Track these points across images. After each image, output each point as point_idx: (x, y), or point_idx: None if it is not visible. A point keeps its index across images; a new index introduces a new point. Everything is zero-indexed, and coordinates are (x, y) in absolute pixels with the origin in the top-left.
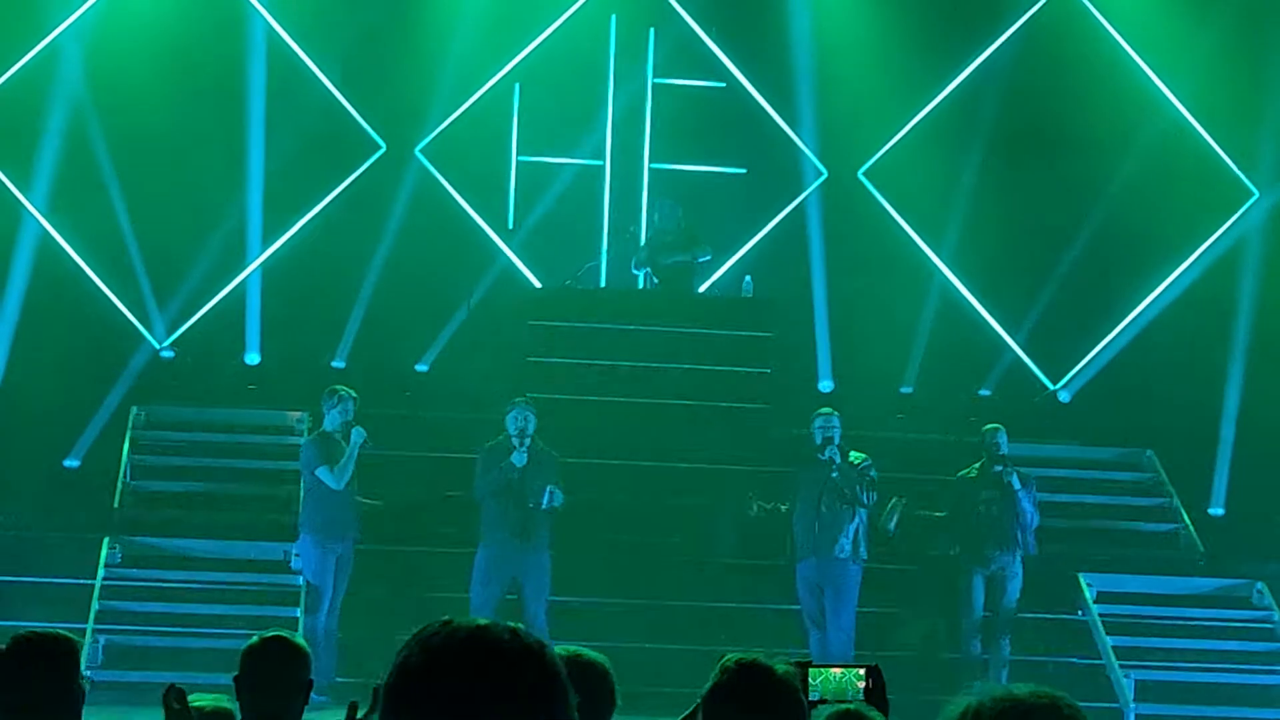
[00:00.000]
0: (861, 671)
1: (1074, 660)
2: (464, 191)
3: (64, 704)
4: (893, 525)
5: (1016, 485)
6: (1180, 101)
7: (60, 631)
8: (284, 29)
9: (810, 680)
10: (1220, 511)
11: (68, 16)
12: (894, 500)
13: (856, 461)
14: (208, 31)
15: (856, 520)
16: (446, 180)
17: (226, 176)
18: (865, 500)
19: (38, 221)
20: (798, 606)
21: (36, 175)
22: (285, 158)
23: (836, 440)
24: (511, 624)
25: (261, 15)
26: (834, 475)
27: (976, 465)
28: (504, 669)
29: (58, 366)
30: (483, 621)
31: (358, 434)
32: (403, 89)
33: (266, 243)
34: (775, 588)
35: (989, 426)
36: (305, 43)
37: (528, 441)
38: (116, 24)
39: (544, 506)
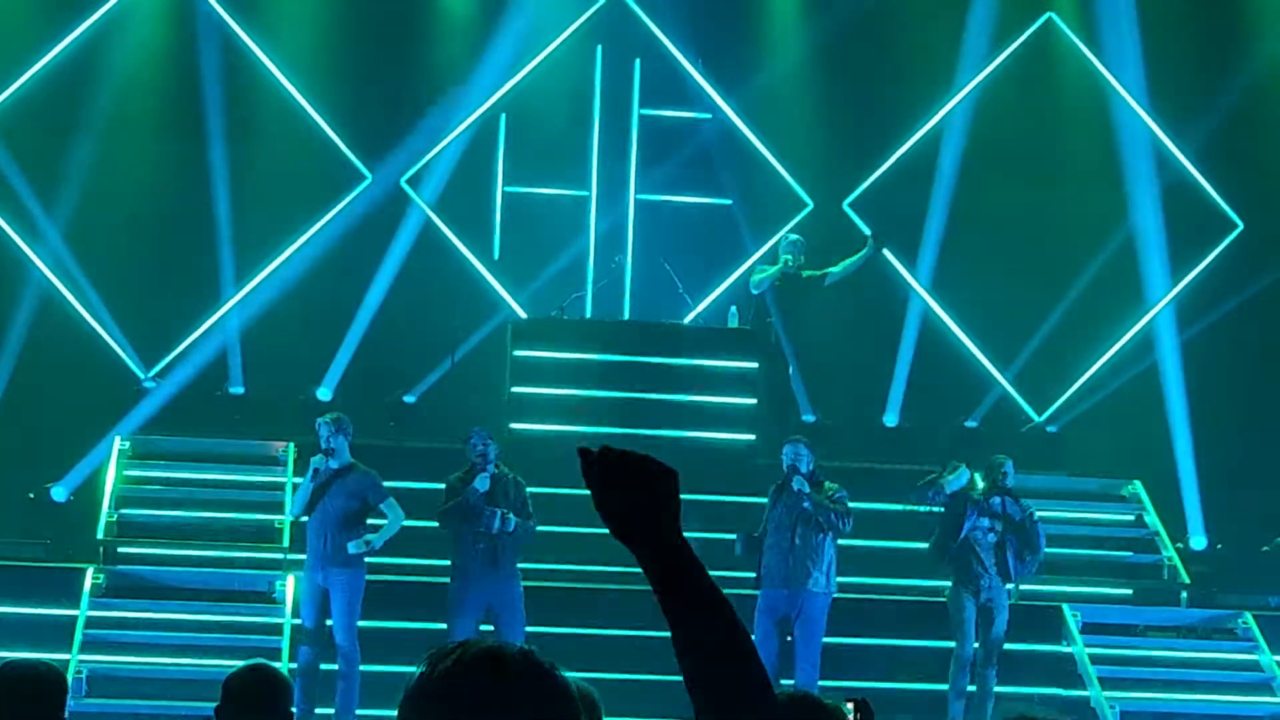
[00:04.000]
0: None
1: (1060, 691)
2: (450, 222)
3: None
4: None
5: (1017, 516)
6: (1164, 132)
7: (45, 663)
8: (270, 60)
9: None
10: (1203, 543)
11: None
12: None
13: (830, 491)
14: (194, 64)
15: (829, 551)
16: (432, 211)
17: (211, 208)
18: (842, 527)
19: (26, 254)
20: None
21: (26, 206)
22: (271, 188)
23: (804, 468)
24: (526, 646)
25: (249, 47)
26: (806, 505)
27: (976, 492)
28: (515, 688)
29: (40, 396)
30: (495, 644)
31: (313, 462)
32: (388, 120)
33: (252, 274)
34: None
35: (999, 457)
36: (291, 73)
37: (490, 467)
38: (98, 54)
39: (494, 529)
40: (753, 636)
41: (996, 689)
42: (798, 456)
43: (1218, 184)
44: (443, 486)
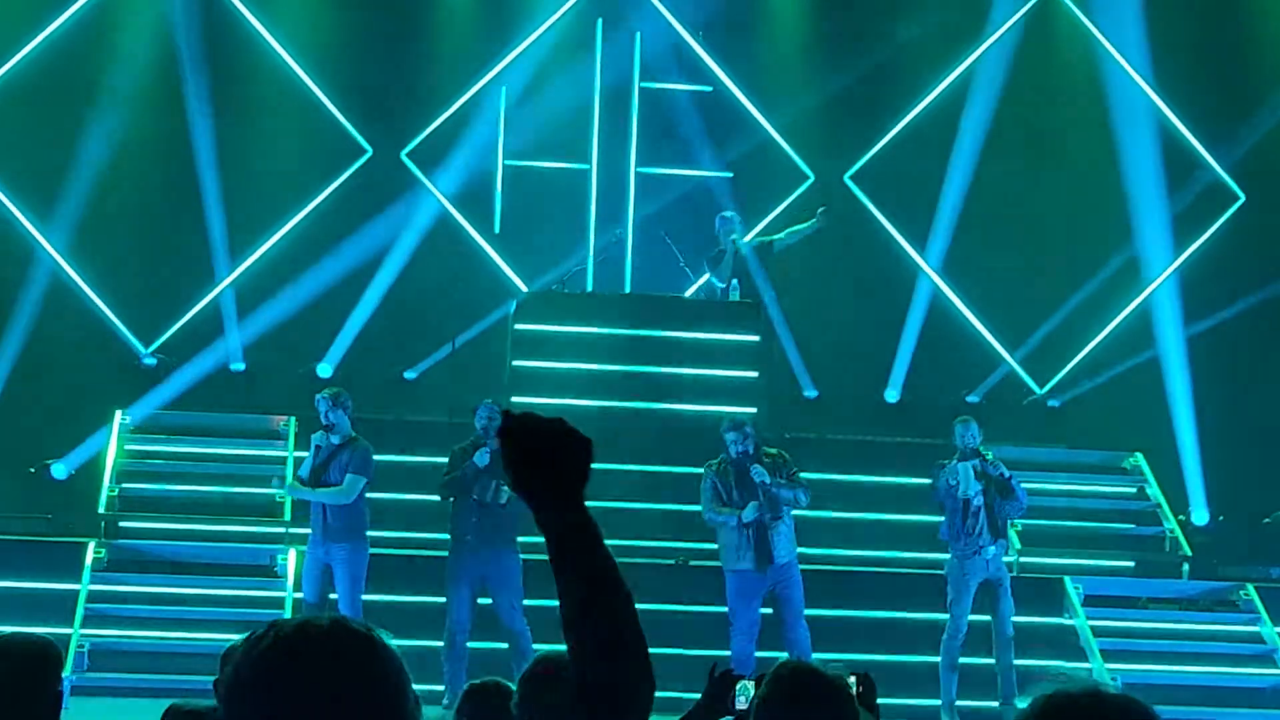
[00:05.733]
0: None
1: (1062, 664)
2: (450, 196)
3: (39, 710)
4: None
5: (1006, 473)
6: (1167, 105)
7: (40, 636)
8: (267, 31)
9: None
10: (1205, 518)
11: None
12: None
13: (776, 457)
14: (190, 39)
15: (790, 519)
16: (433, 184)
17: (210, 184)
18: (802, 501)
19: (29, 231)
20: (768, 610)
21: (25, 184)
22: (271, 163)
23: (751, 450)
24: (335, 615)
25: (246, 20)
26: (783, 493)
27: (955, 458)
28: (328, 660)
29: (42, 371)
30: (306, 617)
31: (314, 439)
32: (388, 94)
33: (251, 250)
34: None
35: (960, 418)
36: (289, 46)
37: (493, 442)
38: (92, 30)
39: (486, 500)
40: (735, 624)
41: (1017, 662)
42: (744, 440)
43: (1220, 156)
44: (443, 460)
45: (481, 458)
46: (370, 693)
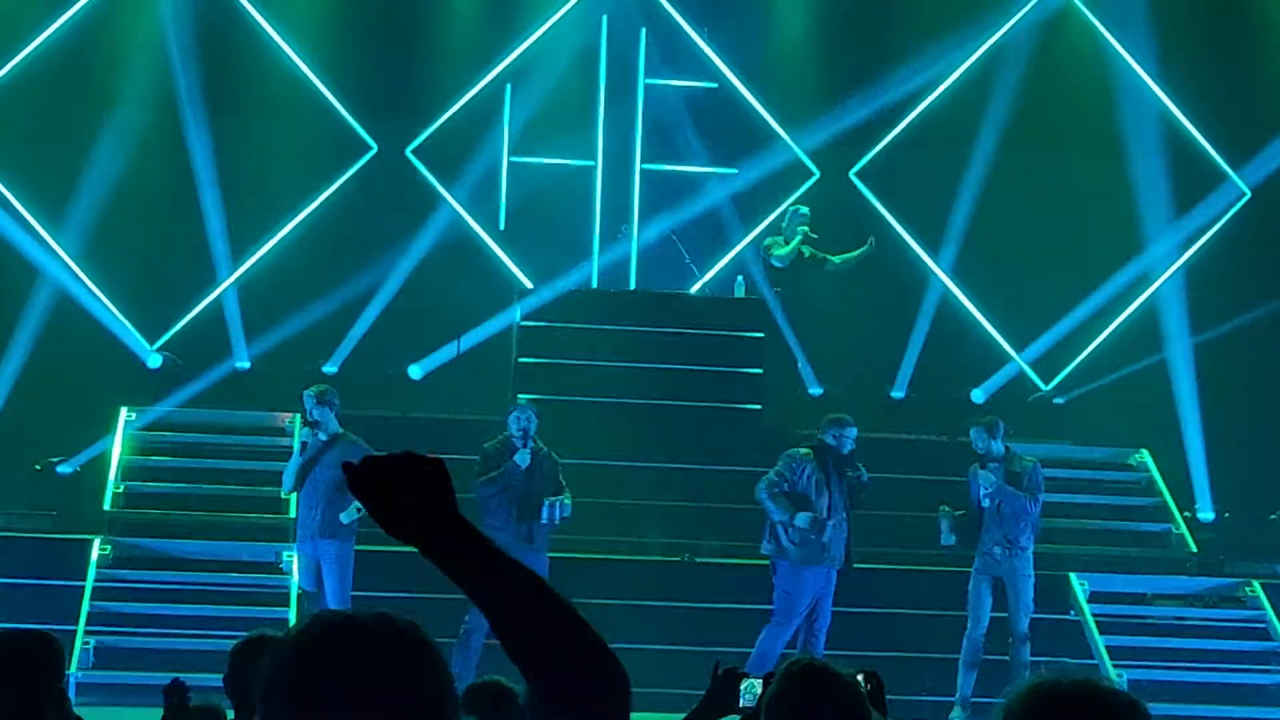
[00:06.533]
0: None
1: (1067, 660)
2: (455, 192)
3: (43, 706)
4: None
5: (988, 485)
6: (1172, 101)
7: (41, 632)
8: (271, 26)
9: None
10: (1210, 514)
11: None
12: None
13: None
14: (194, 35)
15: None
16: (438, 181)
17: (213, 183)
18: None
19: (36, 232)
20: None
21: (31, 185)
22: (276, 161)
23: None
24: (379, 610)
25: (250, 16)
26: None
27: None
28: (373, 651)
29: (48, 370)
30: (350, 611)
31: (300, 435)
32: (393, 90)
33: (255, 247)
34: (765, 588)
35: (974, 423)
36: (293, 42)
37: (531, 443)
38: (101, 26)
39: (543, 520)
40: (780, 620)
41: (1030, 659)
42: (845, 439)
43: (1225, 152)
44: (448, 456)
45: (523, 459)
46: (418, 685)
